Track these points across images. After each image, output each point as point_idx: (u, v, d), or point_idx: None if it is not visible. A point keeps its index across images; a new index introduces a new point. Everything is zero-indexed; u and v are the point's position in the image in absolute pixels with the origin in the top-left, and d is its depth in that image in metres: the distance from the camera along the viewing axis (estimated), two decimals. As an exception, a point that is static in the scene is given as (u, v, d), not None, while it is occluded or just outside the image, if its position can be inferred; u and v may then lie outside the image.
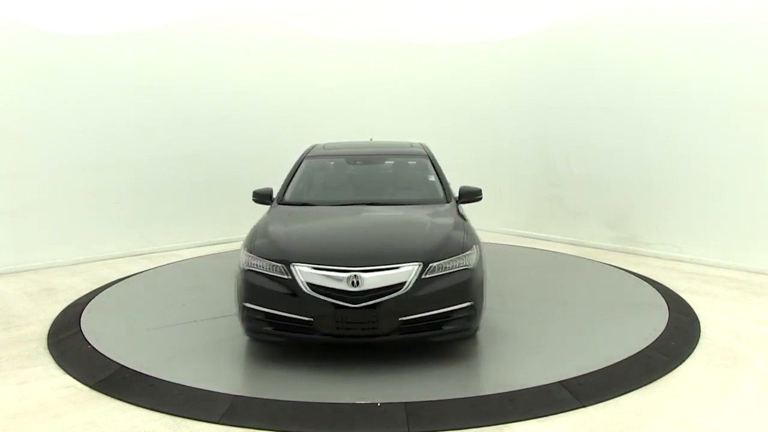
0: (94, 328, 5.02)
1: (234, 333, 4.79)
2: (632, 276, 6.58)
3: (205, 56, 8.48)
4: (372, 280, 3.99)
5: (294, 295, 4.04)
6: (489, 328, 5.02)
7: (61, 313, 5.51)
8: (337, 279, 4.00)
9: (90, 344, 4.63)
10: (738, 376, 4.04)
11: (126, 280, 6.65)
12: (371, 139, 7.08)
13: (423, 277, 4.05)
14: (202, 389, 3.84)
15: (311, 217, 5.07)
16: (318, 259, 4.12)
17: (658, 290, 5.97)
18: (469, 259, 4.25)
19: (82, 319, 5.23)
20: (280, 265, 4.15)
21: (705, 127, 7.12)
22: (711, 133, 7.07)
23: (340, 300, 3.97)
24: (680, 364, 4.24)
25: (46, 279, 6.76)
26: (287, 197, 5.45)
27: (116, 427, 3.43)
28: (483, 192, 5.47)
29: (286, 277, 4.10)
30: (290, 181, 5.69)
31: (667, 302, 5.55)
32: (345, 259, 4.09)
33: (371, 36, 9.78)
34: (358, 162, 6.05)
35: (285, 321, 4.09)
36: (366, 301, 3.96)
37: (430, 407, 3.60)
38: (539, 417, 3.50)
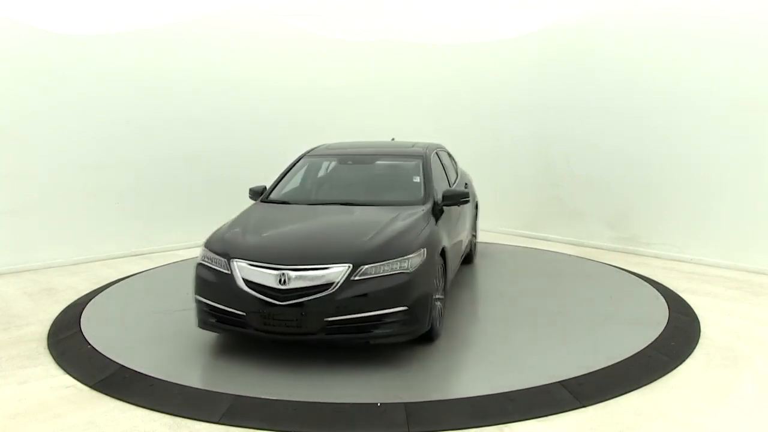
0: (94, 328, 5.02)
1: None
2: (632, 276, 6.58)
3: (205, 56, 8.48)
4: (299, 279, 4.05)
5: (231, 289, 4.17)
6: (488, 328, 5.03)
7: (61, 313, 5.51)
8: (267, 276, 4.09)
9: (90, 344, 4.63)
10: (738, 376, 4.04)
11: (126, 280, 6.65)
12: (393, 139, 7.09)
13: (352, 278, 4.04)
14: (202, 389, 3.85)
15: (275, 215, 5.16)
16: (254, 255, 4.25)
17: (658, 290, 5.97)
18: (409, 263, 4.17)
19: (82, 319, 5.23)
20: (223, 259, 4.32)
21: (705, 127, 7.12)
22: (711, 133, 7.07)
23: (269, 297, 4.05)
24: (680, 364, 4.24)
25: (46, 279, 6.76)
26: (272, 195, 5.56)
27: (116, 427, 3.43)
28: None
29: (226, 271, 4.26)
30: (280, 179, 5.81)
31: (667, 302, 5.55)
32: (277, 257, 4.18)
33: (371, 36, 9.77)
34: (349, 162, 6.09)
35: (224, 314, 4.24)
36: (292, 299, 4.02)
37: (430, 407, 3.60)
38: (539, 417, 3.50)
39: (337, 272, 4.04)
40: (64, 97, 7.42)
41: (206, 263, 4.44)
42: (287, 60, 9.18)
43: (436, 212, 5.05)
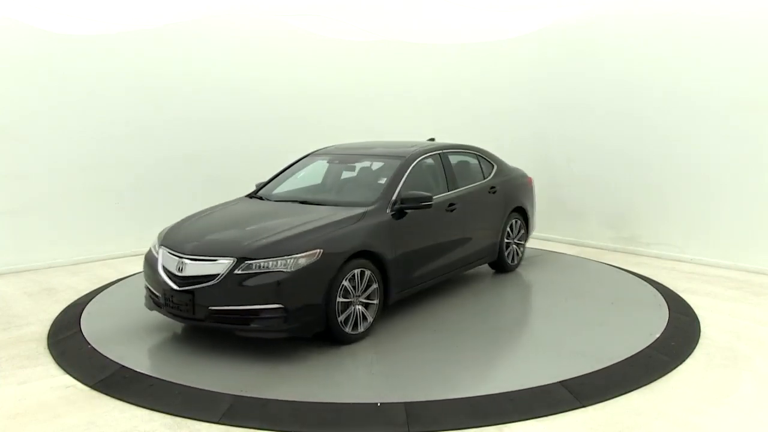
0: (94, 328, 5.02)
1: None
2: (632, 276, 6.58)
3: (205, 56, 8.47)
4: (192, 267, 4.40)
5: (155, 272, 4.65)
6: (487, 328, 5.02)
7: (61, 313, 5.51)
8: (172, 262, 4.53)
9: (90, 344, 4.63)
10: (738, 376, 4.04)
11: (126, 280, 6.65)
12: (432, 139, 6.91)
13: (235, 272, 4.24)
14: (202, 389, 3.84)
15: (231, 209, 5.48)
16: (170, 243, 4.72)
17: (658, 290, 5.97)
18: (292, 262, 4.25)
19: (82, 319, 5.23)
20: (156, 246, 4.88)
21: (705, 127, 7.12)
22: (711, 133, 7.07)
23: (172, 281, 4.46)
24: (680, 364, 4.24)
25: (46, 279, 6.76)
26: (261, 191, 5.92)
27: (116, 427, 3.44)
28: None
29: (156, 257, 4.77)
30: (274, 177, 6.05)
31: (667, 302, 5.55)
32: (180, 246, 4.60)
33: (371, 36, 9.77)
34: (336, 162, 6.15)
35: (152, 295, 4.75)
36: (186, 286, 4.38)
37: (430, 407, 3.60)
38: (539, 417, 3.50)
39: (222, 265, 4.30)
40: (64, 97, 7.41)
41: (150, 249, 4.97)
42: (287, 60, 9.17)
43: (389, 214, 5.00)
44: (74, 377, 4.12)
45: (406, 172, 5.41)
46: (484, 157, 6.63)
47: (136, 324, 5.17)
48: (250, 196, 5.92)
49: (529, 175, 7.27)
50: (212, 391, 3.81)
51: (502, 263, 6.61)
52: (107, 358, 4.36)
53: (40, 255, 7.28)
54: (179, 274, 4.44)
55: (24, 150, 7.17)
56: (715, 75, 6.99)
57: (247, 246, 4.37)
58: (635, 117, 7.74)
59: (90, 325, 5.07)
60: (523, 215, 6.86)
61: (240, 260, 4.26)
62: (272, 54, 9.05)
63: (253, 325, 4.27)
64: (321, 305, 4.34)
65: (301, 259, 4.28)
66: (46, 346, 4.72)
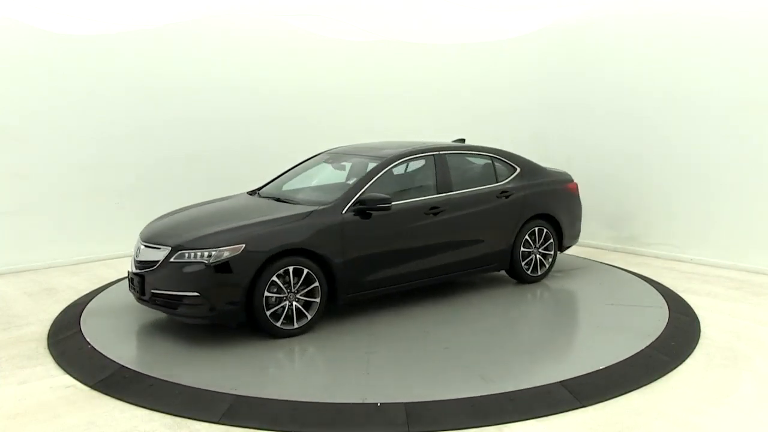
0: (94, 328, 5.02)
1: (234, 333, 4.80)
2: (632, 276, 6.58)
3: (205, 56, 8.47)
4: (144, 253, 4.90)
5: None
6: (486, 327, 5.02)
7: (61, 313, 5.51)
8: (137, 248, 5.06)
9: (90, 344, 4.63)
10: (738, 376, 4.04)
11: (126, 280, 6.64)
12: (463, 140, 6.79)
13: (170, 260, 4.65)
14: (202, 389, 3.84)
15: (214, 204, 5.81)
16: (142, 232, 5.27)
17: (658, 290, 5.97)
18: (213, 255, 4.53)
19: (82, 319, 5.23)
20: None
21: (705, 127, 7.12)
22: (711, 133, 7.07)
23: (133, 265, 5.01)
24: (680, 364, 4.24)
25: (46, 279, 6.76)
26: (262, 188, 6.11)
27: (116, 427, 3.44)
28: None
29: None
30: (281, 174, 6.27)
31: (667, 302, 5.55)
32: (144, 235, 5.16)
33: (371, 36, 9.77)
34: (329, 161, 6.24)
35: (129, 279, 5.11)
36: (139, 269, 4.87)
37: (430, 407, 3.60)
38: (539, 417, 3.50)
39: (162, 252, 4.72)
40: (64, 97, 7.41)
41: None
42: (287, 60, 9.17)
43: (343, 215, 5.01)
44: (74, 377, 4.12)
45: (378, 173, 5.38)
46: (503, 159, 6.26)
47: (136, 324, 5.18)
48: (251, 192, 6.06)
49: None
50: (212, 391, 3.81)
51: (519, 273, 6.19)
52: (107, 358, 4.36)
53: (40, 255, 7.28)
54: (137, 258, 4.98)
55: (24, 150, 7.17)
56: (715, 75, 6.98)
57: (183, 237, 4.77)
58: (635, 117, 7.74)
59: (90, 325, 5.08)
60: (552, 223, 6.34)
61: (174, 249, 4.66)
62: (272, 54, 9.04)
63: (179, 310, 4.63)
64: (241, 297, 4.53)
65: (225, 252, 4.52)
66: (46, 346, 4.72)
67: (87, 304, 5.71)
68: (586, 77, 8.23)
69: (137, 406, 3.68)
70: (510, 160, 6.31)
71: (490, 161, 6.20)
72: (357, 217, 5.06)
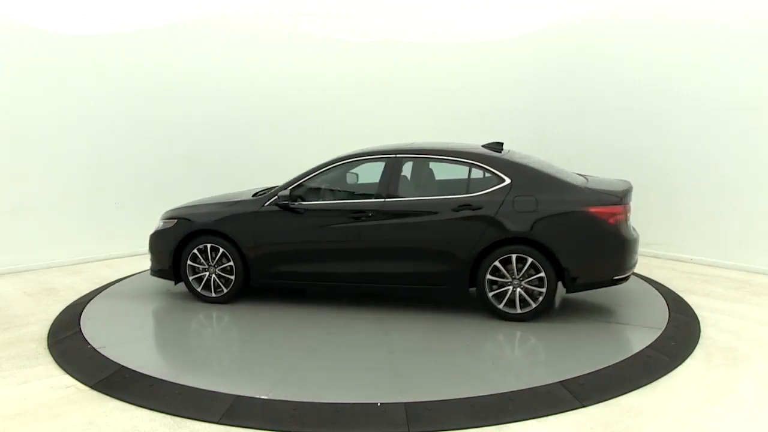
0: (94, 328, 5.01)
1: (234, 333, 4.80)
2: (632, 276, 6.57)
3: (205, 56, 8.47)
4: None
5: None
6: (486, 327, 5.02)
7: (61, 313, 5.51)
8: None
9: (90, 344, 4.63)
10: (738, 376, 4.04)
11: (126, 280, 6.65)
12: (501, 144, 6.08)
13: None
14: (202, 389, 3.84)
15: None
16: None
17: (658, 290, 5.97)
18: (163, 225, 5.92)
19: (82, 319, 5.23)
20: None
21: (705, 127, 7.12)
22: (711, 133, 7.07)
23: None
24: (680, 364, 4.24)
25: (46, 279, 6.76)
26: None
27: (116, 427, 3.44)
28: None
29: None
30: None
31: (667, 302, 5.55)
32: None
33: (371, 36, 9.77)
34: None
35: None
36: None
37: (430, 407, 3.60)
38: (539, 417, 3.50)
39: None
40: (64, 97, 7.41)
41: None
42: (287, 60, 9.17)
43: (266, 207, 5.50)
44: (74, 377, 4.12)
45: (316, 171, 5.58)
46: (489, 168, 5.28)
47: (136, 324, 5.18)
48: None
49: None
50: (212, 391, 3.81)
51: (488, 306, 5.13)
52: (107, 358, 4.36)
53: (40, 255, 7.28)
54: None
55: (24, 150, 7.18)
56: (715, 75, 6.99)
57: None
58: (636, 117, 7.74)
59: (90, 325, 5.07)
60: (544, 253, 4.98)
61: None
62: (272, 54, 9.04)
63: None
64: (169, 261, 5.72)
65: (167, 223, 5.85)
66: (46, 346, 4.72)
67: (87, 304, 5.70)
68: (586, 77, 8.23)
69: (137, 406, 3.68)
70: (500, 169, 5.25)
71: (468, 169, 5.37)
72: (277, 210, 5.47)
